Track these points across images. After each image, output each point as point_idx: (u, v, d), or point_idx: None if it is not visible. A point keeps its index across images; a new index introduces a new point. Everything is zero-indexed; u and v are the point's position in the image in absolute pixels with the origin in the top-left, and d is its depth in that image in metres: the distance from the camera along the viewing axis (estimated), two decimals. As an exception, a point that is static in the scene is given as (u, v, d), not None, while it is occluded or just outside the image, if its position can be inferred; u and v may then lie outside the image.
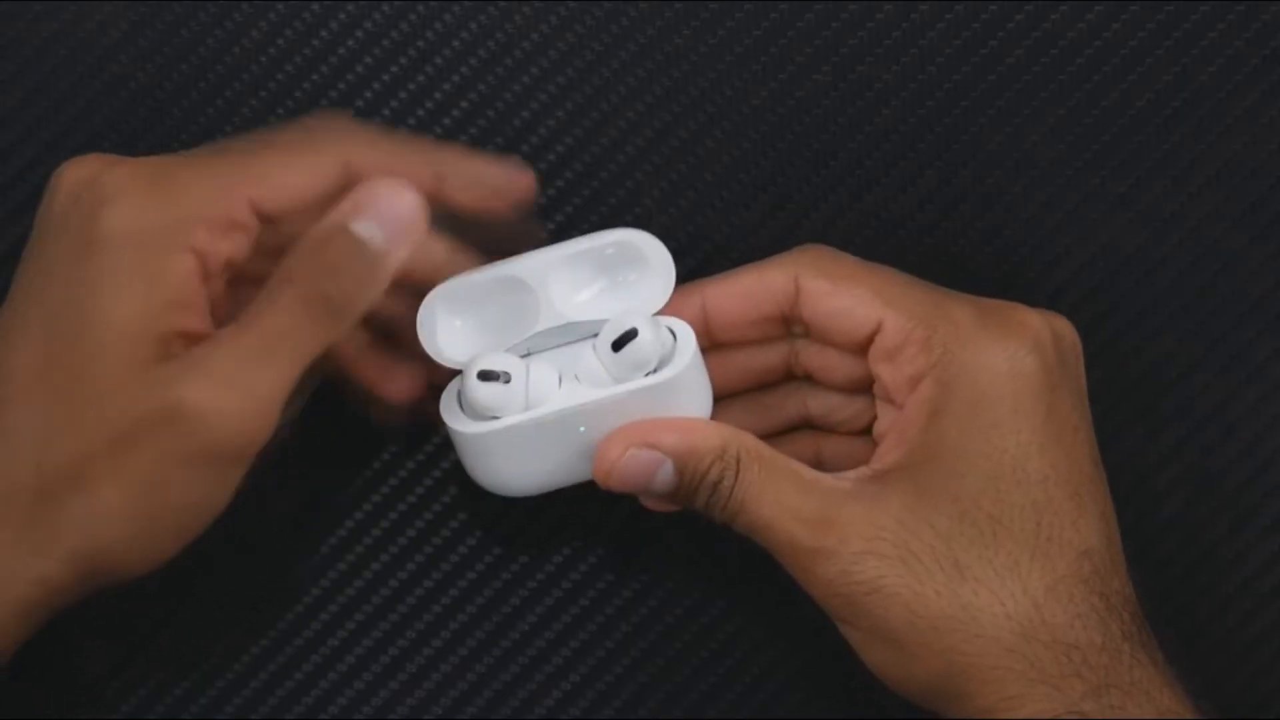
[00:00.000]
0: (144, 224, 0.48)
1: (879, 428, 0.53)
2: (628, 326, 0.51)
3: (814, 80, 0.59)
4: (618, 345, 0.51)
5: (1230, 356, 0.59)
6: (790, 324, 0.53)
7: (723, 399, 0.54)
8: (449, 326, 0.53)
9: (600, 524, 0.58)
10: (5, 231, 0.58)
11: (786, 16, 0.59)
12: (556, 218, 0.59)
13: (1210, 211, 0.59)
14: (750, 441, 0.50)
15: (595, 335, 0.52)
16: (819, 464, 0.55)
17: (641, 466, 0.50)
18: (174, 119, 0.58)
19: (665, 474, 0.50)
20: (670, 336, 0.52)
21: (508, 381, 0.51)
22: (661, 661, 0.58)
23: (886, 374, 0.51)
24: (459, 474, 0.58)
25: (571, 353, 0.53)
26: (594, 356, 0.52)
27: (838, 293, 0.51)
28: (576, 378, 0.52)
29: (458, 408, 0.52)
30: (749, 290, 0.52)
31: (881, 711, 0.57)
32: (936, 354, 0.49)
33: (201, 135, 0.58)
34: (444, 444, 0.58)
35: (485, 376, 0.51)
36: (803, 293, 0.52)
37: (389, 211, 0.49)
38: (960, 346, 0.49)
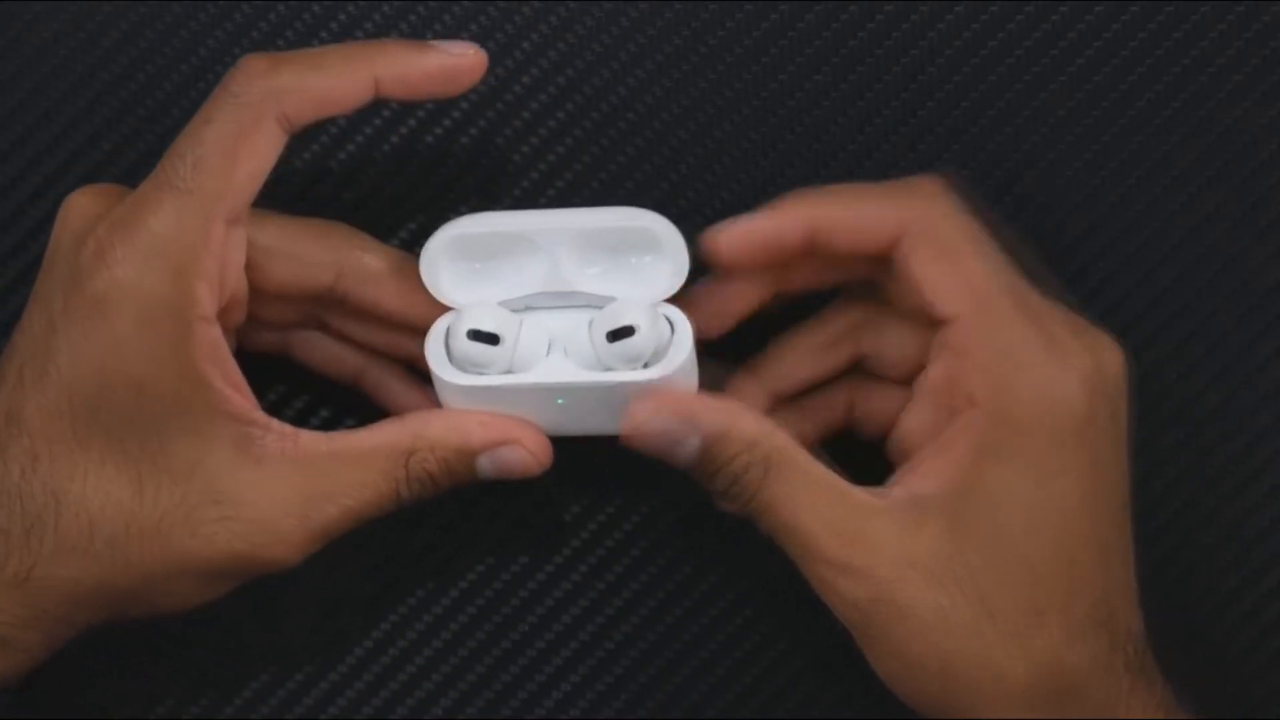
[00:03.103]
0: (148, 293, 0.48)
1: (924, 384, 0.52)
2: (627, 320, 0.50)
3: (814, 81, 0.59)
4: (613, 336, 0.51)
5: (1230, 357, 0.59)
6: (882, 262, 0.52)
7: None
8: (453, 267, 0.52)
9: (600, 524, 0.58)
10: (7, 233, 0.58)
11: (787, 17, 0.59)
12: (557, 218, 0.59)
13: (1210, 211, 0.59)
14: (784, 442, 0.50)
15: (592, 307, 0.52)
16: (850, 412, 0.55)
17: (668, 432, 0.50)
18: (174, 119, 0.58)
19: (690, 447, 0.50)
20: (668, 328, 0.52)
21: (496, 343, 0.51)
22: (661, 662, 0.58)
23: (941, 361, 0.50)
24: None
25: (566, 319, 0.52)
26: (587, 335, 0.52)
27: (934, 266, 0.50)
28: (565, 350, 0.52)
29: (444, 350, 0.52)
30: (860, 226, 0.51)
31: (882, 713, 0.57)
32: (990, 382, 0.49)
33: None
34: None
35: (474, 336, 0.51)
36: (904, 246, 0.50)
37: (513, 465, 0.52)
38: (1015, 385, 0.49)
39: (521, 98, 0.59)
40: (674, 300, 0.52)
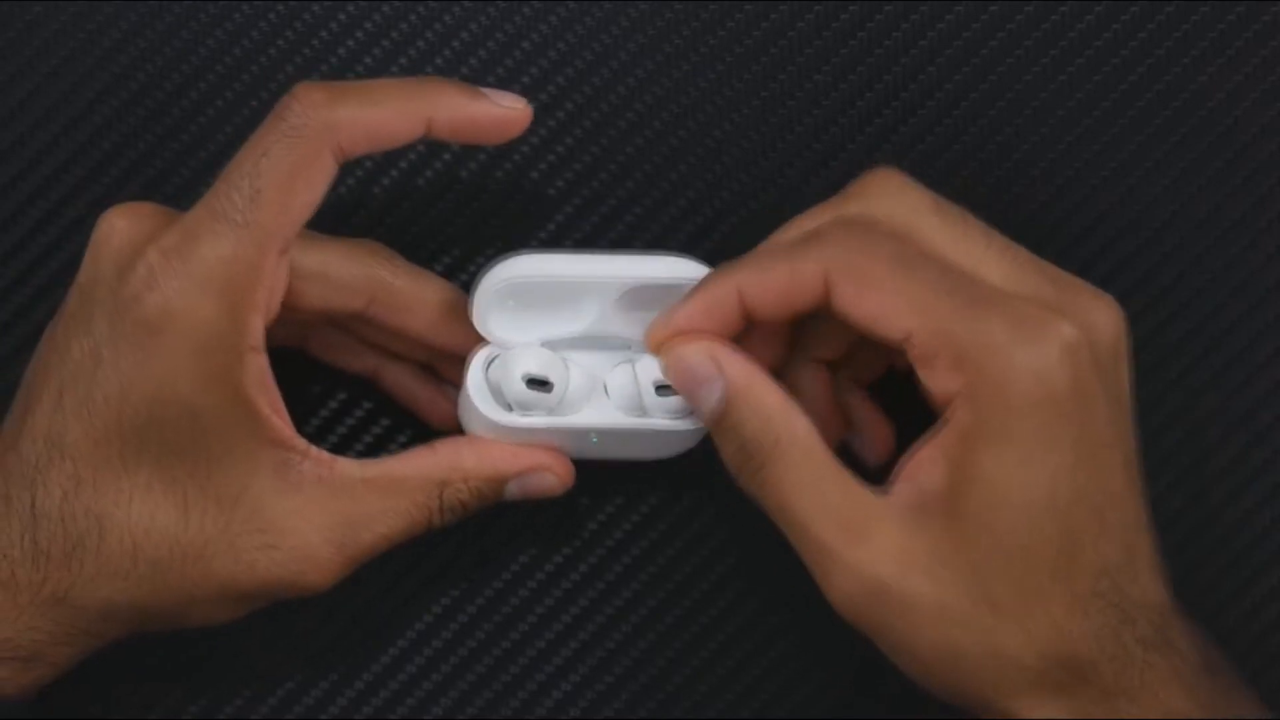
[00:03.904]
0: (202, 322, 0.49)
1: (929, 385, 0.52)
2: None
3: (814, 81, 0.59)
4: (662, 390, 0.52)
5: (1230, 357, 0.59)
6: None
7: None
8: (502, 306, 0.53)
9: (601, 524, 0.58)
10: (7, 232, 0.58)
11: (787, 17, 0.59)
12: (556, 218, 0.59)
13: (1210, 211, 0.59)
14: (804, 427, 0.50)
15: (627, 348, 0.53)
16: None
17: (700, 372, 0.50)
18: (174, 119, 0.58)
19: (714, 393, 0.50)
20: None
21: (549, 390, 0.52)
22: (661, 662, 0.58)
23: (922, 377, 0.50)
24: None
25: (604, 359, 0.54)
26: (632, 376, 0.53)
27: (867, 298, 0.49)
28: (605, 388, 0.53)
29: (484, 382, 0.53)
30: (781, 288, 0.50)
31: (883, 713, 0.57)
32: (968, 374, 0.48)
33: (201, 135, 0.58)
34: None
35: (531, 383, 0.52)
36: (833, 292, 0.50)
37: (540, 489, 0.53)
38: (990, 368, 0.48)
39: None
40: None
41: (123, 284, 0.49)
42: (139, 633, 0.51)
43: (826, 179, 0.59)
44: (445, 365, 0.56)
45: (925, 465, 0.49)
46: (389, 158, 0.58)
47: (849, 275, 0.49)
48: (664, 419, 0.52)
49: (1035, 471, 0.48)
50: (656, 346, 0.52)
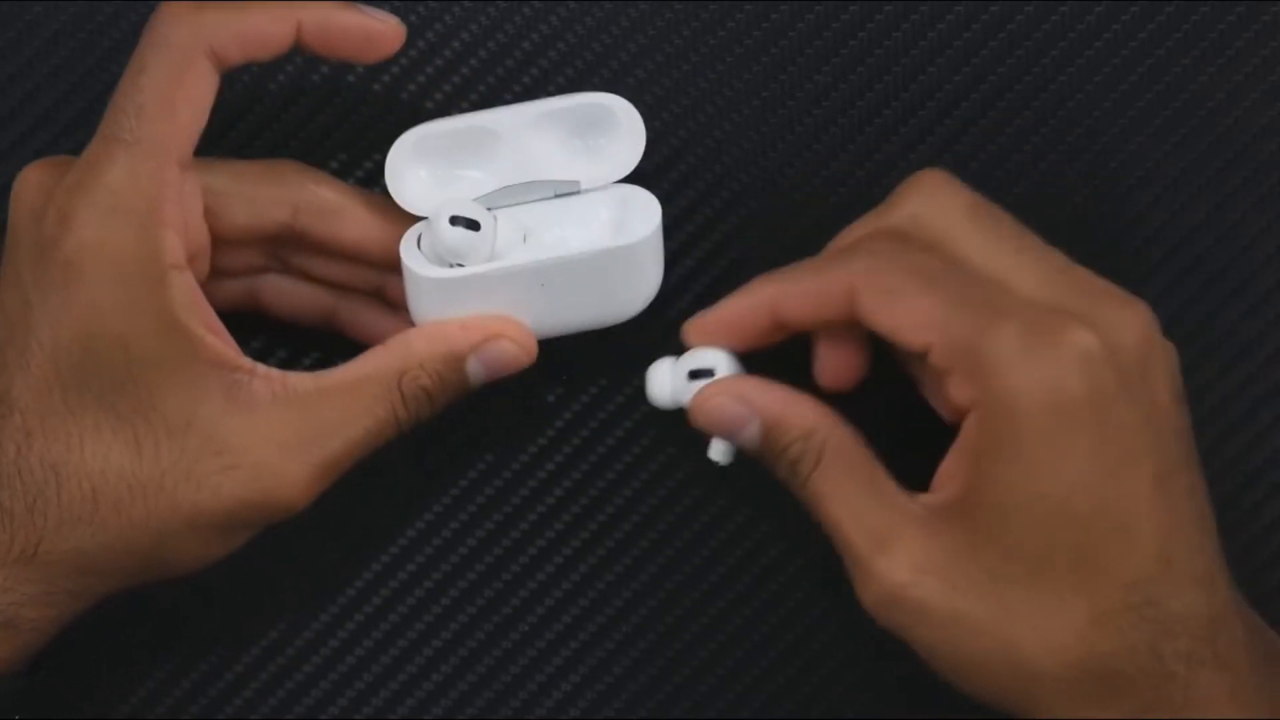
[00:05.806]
0: (116, 248, 0.49)
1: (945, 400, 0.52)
2: (709, 364, 0.52)
3: (814, 81, 0.59)
4: (693, 375, 0.52)
5: (1230, 357, 0.59)
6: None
7: None
8: (416, 175, 0.53)
9: (601, 524, 0.59)
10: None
11: (787, 17, 0.59)
12: (557, 218, 0.59)
13: (1209, 212, 0.59)
14: (841, 434, 0.50)
15: (559, 195, 0.53)
16: None
17: (730, 416, 0.51)
18: (174, 119, 0.58)
19: (752, 431, 0.51)
20: (739, 364, 0.53)
21: (477, 230, 0.52)
22: (662, 662, 0.58)
23: (939, 391, 0.50)
24: (458, 474, 0.58)
25: (535, 211, 0.54)
26: (669, 369, 0.53)
27: (889, 310, 0.50)
28: (541, 240, 0.53)
29: (418, 251, 0.52)
30: (811, 299, 0.51)
31: (883, 712, 0.57)
32: (979, 384, 0.48)
33: (201, 135, 0.58)
34: (446, 449, 0.58)
35: (456, 221, 0.51)
36: (858, 303, 0.50)
37: (501, 360, 0.52)
38: (1000, 381, 0.48)
39: (521, 97, 0.59)
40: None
41: (40, 230, 0.49)
42: (129, 585, 0.51)
43: (826, 179, 0.59)
44: (396, 288, 0.54)
45: (947, 475, 0.50)
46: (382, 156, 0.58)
47: (872, 288, 0.50)
48: (600, 240, 0.52)
49: (1047, 482, 0.48)
50: (695, 337, 0.53)
